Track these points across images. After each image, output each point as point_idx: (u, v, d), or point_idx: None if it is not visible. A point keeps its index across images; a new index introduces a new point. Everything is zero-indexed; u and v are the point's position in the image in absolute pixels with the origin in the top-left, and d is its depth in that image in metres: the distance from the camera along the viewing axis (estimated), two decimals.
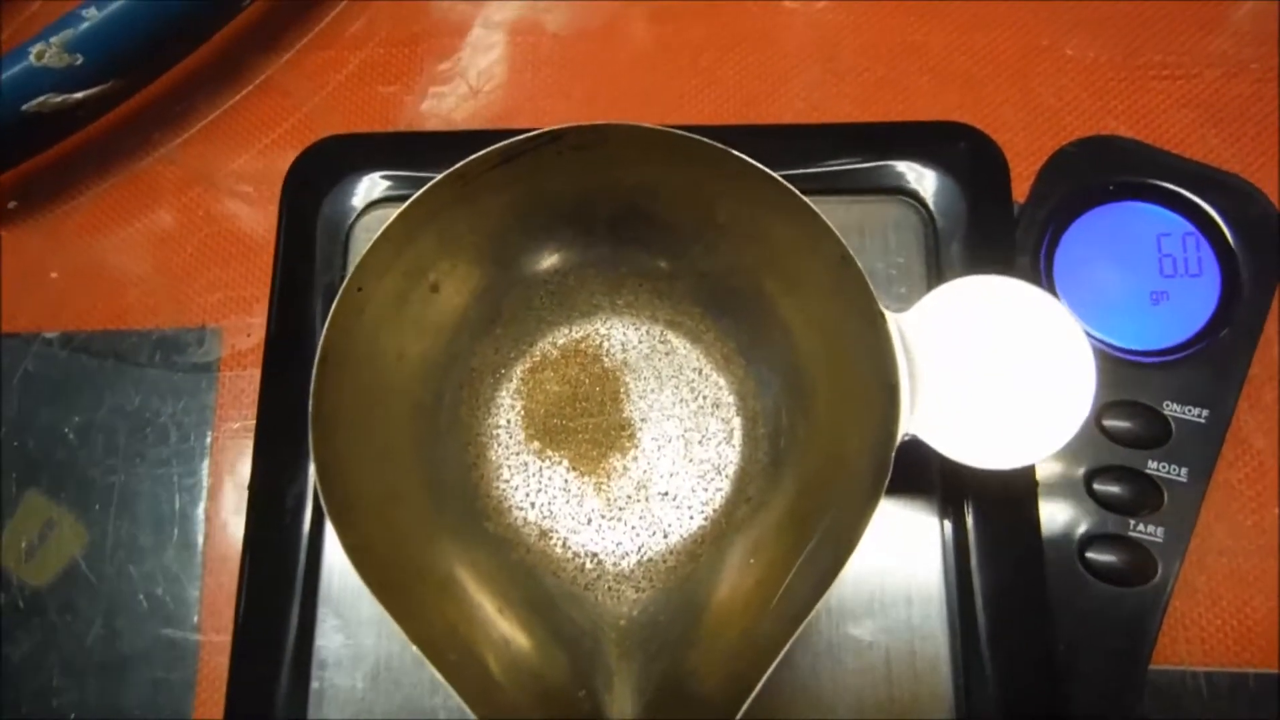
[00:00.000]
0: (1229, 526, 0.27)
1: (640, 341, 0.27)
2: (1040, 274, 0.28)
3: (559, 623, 0.24)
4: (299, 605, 0.26)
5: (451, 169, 0.22)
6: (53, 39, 0.28)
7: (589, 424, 0.27)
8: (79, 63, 0.28)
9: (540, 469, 0.26)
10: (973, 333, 0.22)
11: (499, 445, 0.27)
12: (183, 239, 0.32)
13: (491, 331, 0.27)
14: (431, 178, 0.22)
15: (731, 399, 0.27)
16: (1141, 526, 0.26)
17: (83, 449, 0.30)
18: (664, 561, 0.26)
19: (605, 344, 0.27)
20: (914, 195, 0.28)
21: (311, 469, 0.26)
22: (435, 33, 0.34)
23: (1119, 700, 0.25)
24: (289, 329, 0.28)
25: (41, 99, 0.29)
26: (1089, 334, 0.27)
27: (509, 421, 0.27)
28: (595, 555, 0.26)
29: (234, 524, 0.29)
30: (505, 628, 0.23)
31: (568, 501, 0.26)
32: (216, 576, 0.28)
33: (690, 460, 0.26)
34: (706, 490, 0.26)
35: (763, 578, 0.23)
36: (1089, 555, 0.26)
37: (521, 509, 0.26)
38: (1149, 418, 0.27)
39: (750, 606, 0.23)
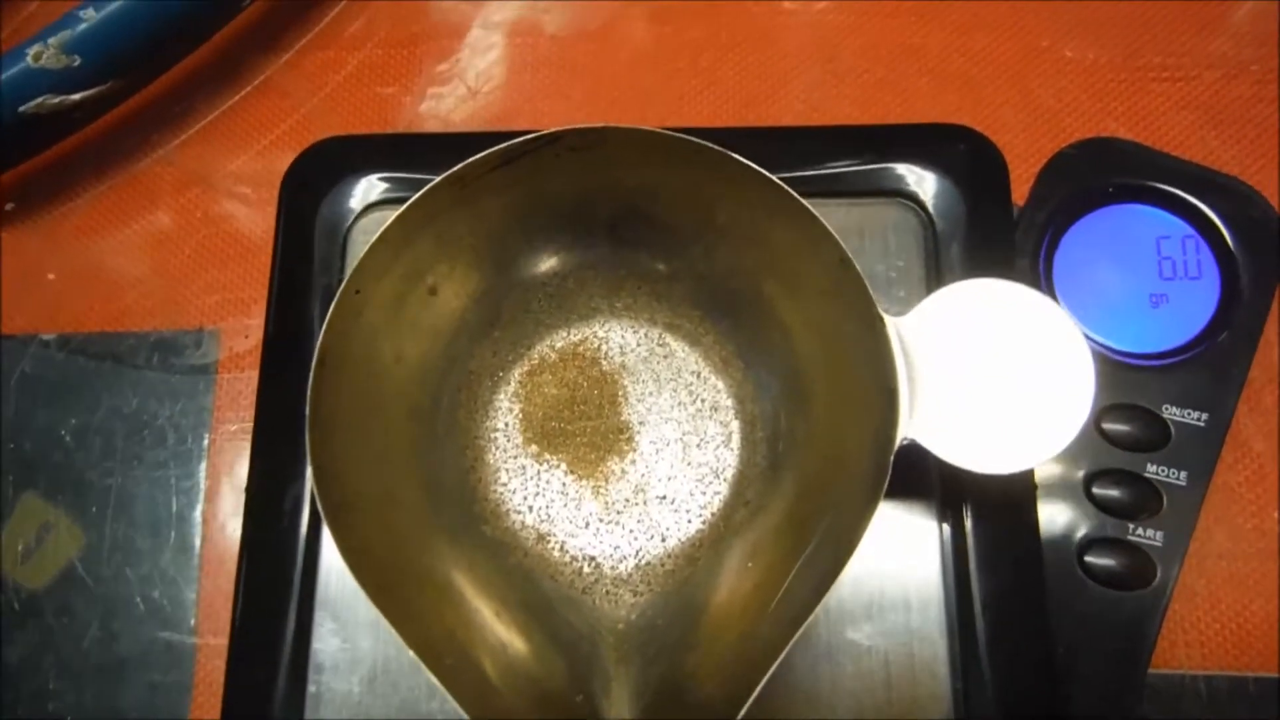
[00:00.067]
0: (1229, 530, 0.27)
1: (639, 344, 0.27)
2: (1040, 277, 0.28)
3: (557, 626, 0.24)
4: (296, 608, 0.26)
5: (450, 171, 0.22)
6: (50, 40, 0.28)
7: (587, 427, 0.27)
8: (77, 64, 0.28)
9: (538, 472, 0.26)
10: (972, 336, 0.22)
11: (497, 448, 0.27)
12: (181, 241, 0.32)
13: (490, 334, 0.27)
14: (430, 180, 0.22)
15: (730, 402, 0.27)
16: (1141, 530, 0.26)
17: (80, 451, 0.29)
18: (662, 565, 0.26)
19: (604, 347, 0.27)
20: (913, 198, 0.28)
21: (309, 471, 0.26)
22: (434, 34, 0.34)
23: (1118, 704, 0.25)
24: (287, 331, 0.28)
25: (39, 100, 0.29)
26: (1088, 337, 0.27)
27: (507, 425, 0.27)
28: (593, 559, 0.26)
29: (231, 526, 0.29)
30: (502, 631, 0.23)
31: (565, 505, 0.26)
32: (213, 579, 0.28)
33: (688, 464, 0.26)
34: (705, 494, 0.26)
35: (761, 581, 0.23)
36: (1088, 559, 0.26)
37: (519, 512, 0.26)
38: (1148, 421, 0.27)
39: (749, 610, 0.23)
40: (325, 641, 0.26)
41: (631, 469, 0.26)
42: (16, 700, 0.27)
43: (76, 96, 0.29)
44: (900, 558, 0.26)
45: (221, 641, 0.27)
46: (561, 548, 0.26)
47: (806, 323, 0.25)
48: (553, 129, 0.22)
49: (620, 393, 0.27)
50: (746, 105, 0.32)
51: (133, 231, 0.32)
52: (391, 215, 0.22)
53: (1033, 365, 0.22)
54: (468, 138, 0.31)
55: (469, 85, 0.33)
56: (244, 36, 0.34)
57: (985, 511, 0.26)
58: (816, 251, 0.22)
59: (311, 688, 0.25)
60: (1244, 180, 0.28)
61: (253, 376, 0.29)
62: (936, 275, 0.27)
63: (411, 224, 0.22)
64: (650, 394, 0.27)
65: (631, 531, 0.26)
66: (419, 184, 0.22)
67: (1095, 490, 0.26)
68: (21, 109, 0.28)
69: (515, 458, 0.26)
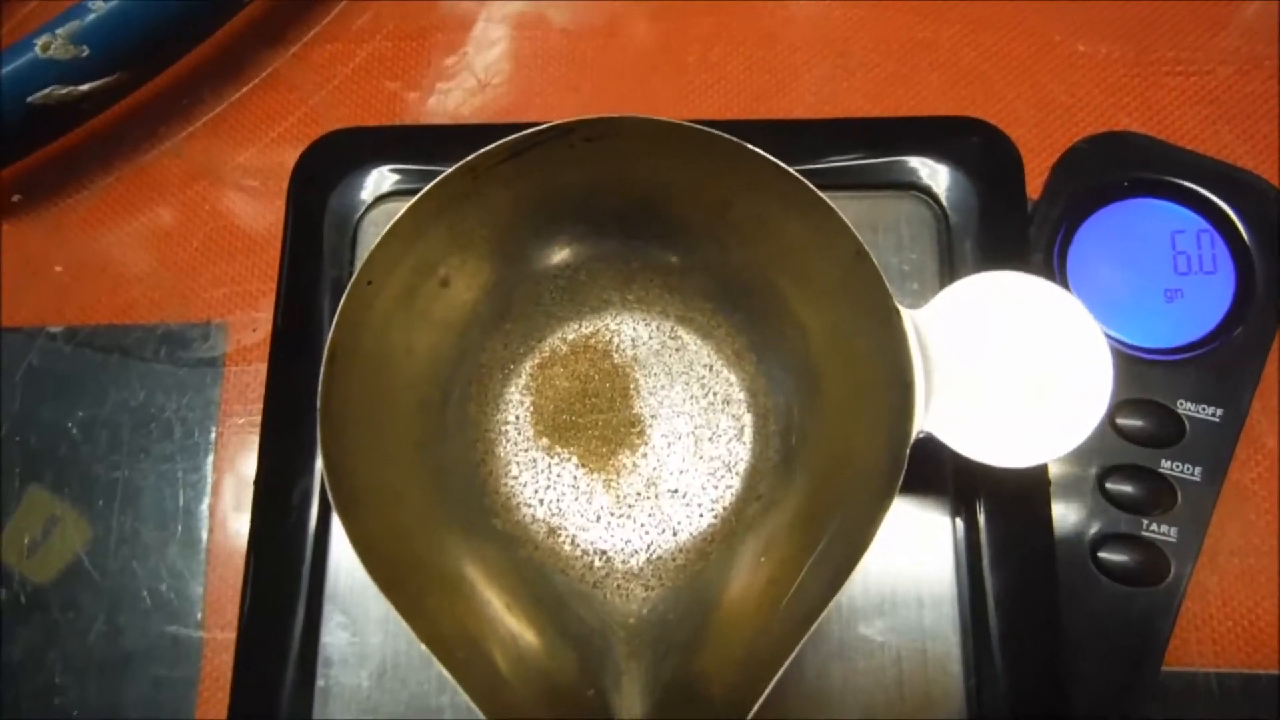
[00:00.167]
0: (1242, 526, 0.27)
1: (650, 337, 0.27)
2: (1054, 271, 0.28)
3: (567, 621, 0.24)
4: (304, 602, 0.25)
5: (461, 162, 0.22)
6: (59, 30, 0.28)
7: (598, 420, 0.26)
8: (85, 55, 0.28)
9: (549, 465, 0.26)
10: (988, 329, 0.22)
11: (507, 441, 0.26)
12: (188, 233, 0.32)
13: (501, 327, 0.27)
14: (440, 171, 0.22)
15: (742, 395, 0.27)
16: (1154, 526, 0.26)
17: (86, 444, 0.29)
18: (673, 560, 0.25)
19: (615, 339, 0.27)
20: (927, 191, 0.28)
21: (318, 465, 0.26)
22: (442, 27, 0.34)
23: (1130, 701, 0.25)
24: (295, 324, 0.28)
25: (46, 91, 0.28)
26: (1102, 331, 0.27)
27: (518, 418, 0.27)
28: (604, 553, 0.26)
29: (239, 520, 0.28)
30: (513, 625, 0.23)
31: (576, 498, 0.26)
32: (221, 573, 0.28)
33: (700, 457, 0.26)
34: (717, 488, 0.26)
35: (774, 577, 0.23)
36: (1101, 555, 0.26)
37: (530, 506, 0.26)
38: (1162, 416, 0.26)
39: (761, 606, 0.23)
40: (334, 635, 0.25)
41: (643, 463, 0.26)
42: (21, 695, 0.27)
43: (84, 87, 0.29)
44: (913, 553, 0.25)
45: (228, 636, 0.27)
46: (572, 541, 0.26)
47: (820, 316, 0.24)
48: (565, 120, 0.22)
49: (632, 386, 0.27)
50: (757, 99, 0.32)
51: (140, 224, 0.32)
52: (402, 207, 0.22)
53: (1049, 359, 0.22)
54: (478, 129, 0.30)
55: (477, 78, 0.33)
56: (251, 29, 0.34)
57: (999, 507, 0.25)
58: (831, 244, 0.22)
59: (320, 682, 0.25)
60: (1258, 174, 0.28)
61: (261, 369, 0.29)
62: (950, 269, 0.27)
63: (423, 215, 0.22)
64: (662, 387, 0.27)
65: (643, 525, 0.26)
66: (429, 175, 0.22)
67: (1109, 486, 0.26)
68: (29, 100, 0.28)
69: (526, 451, 0.26)
